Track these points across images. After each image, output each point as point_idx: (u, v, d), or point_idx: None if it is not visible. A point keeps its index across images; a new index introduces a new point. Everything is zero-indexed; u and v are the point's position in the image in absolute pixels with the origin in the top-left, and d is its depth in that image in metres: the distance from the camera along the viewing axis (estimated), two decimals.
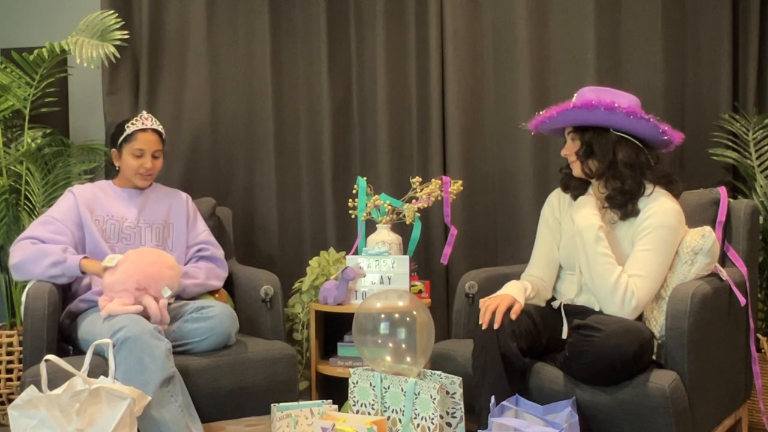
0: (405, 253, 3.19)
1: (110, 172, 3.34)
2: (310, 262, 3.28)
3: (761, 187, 3.17)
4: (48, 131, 3.53)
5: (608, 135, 2.52)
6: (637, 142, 2.53)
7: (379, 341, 2.54)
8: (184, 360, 2.58)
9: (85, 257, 2.78)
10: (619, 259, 2.50)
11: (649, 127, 2.50)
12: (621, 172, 2.52)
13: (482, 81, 3.50)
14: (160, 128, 2.98)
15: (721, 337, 2.51)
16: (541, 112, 2.65)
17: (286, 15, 3.61)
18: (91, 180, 3.41)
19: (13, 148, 3.47)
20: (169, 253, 2.87)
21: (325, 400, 2.65)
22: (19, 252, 2.78)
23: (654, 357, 2.40)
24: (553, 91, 3.39)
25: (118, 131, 2.96)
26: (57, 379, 2.37)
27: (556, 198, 2.77)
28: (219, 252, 3.04)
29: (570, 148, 2.60)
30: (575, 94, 2.60)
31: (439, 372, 2.51)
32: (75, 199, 2.89)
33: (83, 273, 2.75)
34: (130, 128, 2.92)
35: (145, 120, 2.95)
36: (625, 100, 2.52)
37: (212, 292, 2.96)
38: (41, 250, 2.75)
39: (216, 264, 3.01)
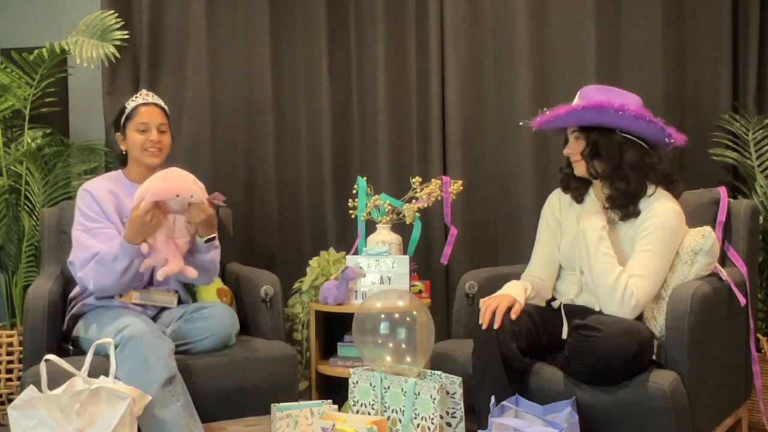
0: (405, 253, 3.19)
1: (109, 170, 3.32)
2: (310, 262, 3.28)
3: (761, 187, 3.17)
4: (48, 131, 3.53)
5: (614, 136, 2.52)
6: (642, 144, 2.53)
7: (379, 341, 2.54)
8: (185, 360, 2.58)
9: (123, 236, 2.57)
10: (620, 259, 2.50)
11: (656, 130, 2.50)
12: (626, 174, 2.51)
13: (482, 81, 3.50)
14: (162, 103, 2.88)
15: (721, 337, 2.51)
16: (545, 110, 2.64)
17: (286, 15, 3.61)
18: (92, 174, 3.39)
19: (13, 148, 3.47)
20: (174, 239, 2.64)
21: (325, 400, 2.65)
22: (89, 276, 2.61)
23: (654, 357, 2.40)
24: (553, 91, 3.39)
25: (119, 114, 2.86)
26: (57, 379, 2.37)
27: (557, 198, 2.77)
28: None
29: (574, 147, 2.59)
30: (578, 93, 2.60)
31: (439, 372, 2.51)
32: (93, 199, 2.75)
33: (137, 243, 2.52)
34: (130, 105, 2.83)
35: (146, 96, 2.86)
36: (628, 100, 2.52)
37: (218, 291, 2.96)
38: (99, 260, 2.58)
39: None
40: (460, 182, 3.20)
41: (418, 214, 3.18)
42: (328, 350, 3.20)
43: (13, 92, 3.35)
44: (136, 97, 2.86)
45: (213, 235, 2.69)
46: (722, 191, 2.72)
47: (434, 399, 2.40)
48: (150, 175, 2.64)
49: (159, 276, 2.55)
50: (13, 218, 3.38)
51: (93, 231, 2.68)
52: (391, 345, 2.53)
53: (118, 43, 3.33)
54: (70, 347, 2.76)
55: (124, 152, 2.87)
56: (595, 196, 2.66)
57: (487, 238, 3.52)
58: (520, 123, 2.91)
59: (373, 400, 2.53)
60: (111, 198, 2.77)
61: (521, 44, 3.42)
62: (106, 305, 2.74)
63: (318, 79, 3.59)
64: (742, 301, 2.53)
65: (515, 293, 2.52)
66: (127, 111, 2.83)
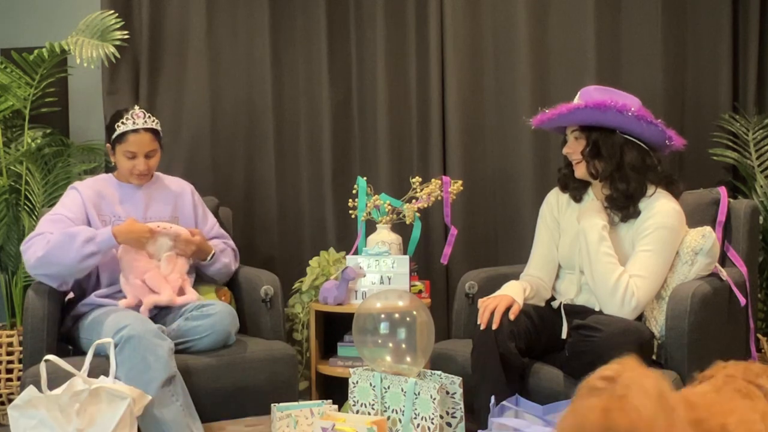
0: (405, 253, 3.19)
1: (110, 170, 3.33)
2: (310, 262, 3.28)
3: (761, 187, 3.17)
4: (48, 131, 3.53)
5: (615, 137, 2.52)
6: (643, 145, 2.53)
7: (379, 341, 2.54)
8: (185, 359, 2.58)
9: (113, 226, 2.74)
10: (620, 259, 2.50)
11: (657, 132, 2.51)
12: (627, 174, 2.51)
13: (482, 81, 3.50)
14: (154, 125, 2.85)
15: (721, 337, 2.51)
16: (546, 109, 2.64)
17: (286, 15, 3.60)
18: (92, 174, 3.40)
19: (13, 148, 3.47)
20: (165, 277, 2.80)
21: (325, 400, 2.65)
22: (38, 247, 2.67)
23: (654, 357, 2.40)
24: (553, 91, 3.38)
25: (110, 127, 2.86)
26: (57, 379, 2.37)
27: (555, 197, 2.77)
28: (232, 243, 3.08)
29: (573, 147, 2.59)
30: (578, 93, 2.60)
31: (439, 372, 2.51)
32: (81, 197, 2.82)
33: (119, 242, 2.69)
34: (120, 128, 2.80)
35: (137, 118, 2.81)
36: (629, 101, 2.52)
37: (217, 291, 2.97)
38: (66, 233, 2.66)
39: (234, 254, 3.07)
40: (460, 182, 3.20)
41: (418, 214, 3.17)
42: (328, 350, 3.20)
43: (13, 92, 3.35)
44: (127, 120, 2.81)
45: (211, 254, 2.91)
46: (722, 191, 2.72)
47: (434, 399, 2.39)
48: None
49: (146, 304, 2.70)
50: (13, 218, 3.38)
51: (57, 217, 2.76)
52: (391, 345, 2.53)
53: (118, 43, 3.33)
54: (70, 347, 2.77)
55: (113, 164, 2.93)
56: (594, 195, 2.66)
57: (487, 238, 3.52)
58: (523, 118, 2.91)
59: (373, 400, 2.53)
60: (95, 199, 2.84)
61: (521, 44, 3.41)
62: (105, 305, 2.74)
63: (318, 79, 3.59)
64: (742, 301, 2.53)
65: (514, 293, 2.52)
66: (116, 133, 2.82)
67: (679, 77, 3.37)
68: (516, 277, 2.75)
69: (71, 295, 2.85)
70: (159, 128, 2.90)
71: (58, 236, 2.67)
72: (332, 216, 3.58)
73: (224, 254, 2.98)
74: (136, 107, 2.88)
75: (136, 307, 2.70)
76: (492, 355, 2.39)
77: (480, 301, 2.51)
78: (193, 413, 2.49)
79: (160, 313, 2.77)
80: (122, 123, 2.82)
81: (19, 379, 3.18)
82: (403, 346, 2.52)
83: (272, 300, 2.90)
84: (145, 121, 2.83)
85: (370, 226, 3.22)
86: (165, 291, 2.74)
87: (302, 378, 3.20)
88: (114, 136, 2.83)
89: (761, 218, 2.93)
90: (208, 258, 2.91)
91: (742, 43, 3.33)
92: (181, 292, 2.79)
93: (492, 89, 3.49)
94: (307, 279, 3.22)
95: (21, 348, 3.18)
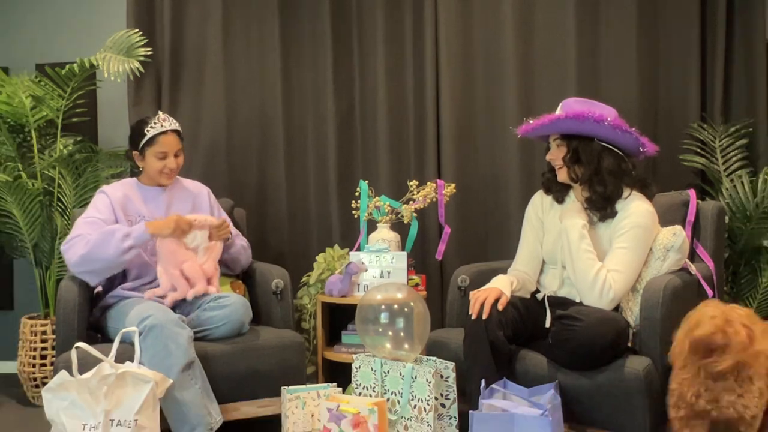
0: (403, 249, 3.19)
1: (135, 174, 3.33)
2: (316, 257, 3.28)
3: (726, 189, 3.17)
4: (78, 139, 3.54)
5: (593, 144, 2.52)
6: (619, 152, 2.53)
7: (380, 330, 2.54)
8: (204, 346, 2.58)
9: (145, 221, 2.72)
10: (599, 255, 2.50)
11: (631, 140, 2.51)
12: (604, 178, 2.52)
13: (473, 93, 3.50)
14: (177, 127, 2.87)
15: None
16: (530, 119, 2.64)
17: (296, 35, 3.61)
18: (118, 178, 3.40)
19: (47, 154, 3.47)
20: (201, 266, 2.80)
21: (330, 384, 2.65)
22: (79, 247, 2.65)
23: (629, 344, 2.40)
24: (538, 102, 3.39)
25: (137, 134, 2.85)
26: (87, 364, 2.38)
27: (539, 199, 2.77)
28: (245, 240, 3.07)
29: (555, 154, 2.59)
30: (560, 105, 2.60)
31: (434, 358, 2.51)
32: (109, 200, 2.81)
33: (150, 234, 2.66)
34: (150, 132, 2.80)
35: (163, 122, 2.83)
36: (606, 111, 2.52)
37: (232, 284, 2.97)
38: (104, 231, 2.65)
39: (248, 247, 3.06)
40: (453, 185, 3.20)
41: (415, 214, 3.17)
42: (333, 338, 3.20)
43: (47, 103, 3.36)
44: (155, 124, 2.82)
45: (227, 237, 2.90)
46: (691, 194, 2.72)
47: (430, 382, 2.40)
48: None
49: (189, 296, 2.72)
50: (46, 218, 3.38)
51: (92, 219, 2.75)
52: (390, 333, 2.53)
53: (142, 58, 3.34)
54: (98, 335, 2.77)
55: (140, 169, 2.91)
56: (575, 197, 2.66)
57: (478, 236, 3.52)
58: (510, 128, 2.90)
59: (374, 383, 2.54)
60: (122, 200, 2.84)
61: (509, 60, 3.42)
62: (131, 296, 2.74)
63: (324, 92, 3.59)
64: (710, 293, 2.53)
65: (502, 286, 2.52)
66: (147, 137, 2.81)
67: (653, 89, 3.38)
68: (504, 271, 2.75)
69: (99, 288, 2.85)
70: (181, 130, 2.91)
71: (97, 235, 2.66)
72: (337, 216, 3.58)
73: (239, 237, 3.00)
74: (160, 113, 2.90)
75: (164, 296, 2.71)
76: (482, 343, 2.39)
77: (471, 293, 2.51)
78: (211, 395, 2.50)
79: (180, 304, 2.78)
80: (151, 127, 2.82)
81: (52, 364, 3.19)
82: (402, 334, 2.52)
83: (282, 292, 2.90)
84: (171, 123, 2.86)
85: (372, 225, 3.22)
86: (200, 282, 2.74)
87: (310, 363, 3.20)
88: (144, 140, 2.82)
89: (727, 218, 2.93)
90: (230, 237, 2.90)
91: (709, 58, 3.33)
92: (209, 282, 2.79)
93: (482, 100, 3.50)
94: (314, 273, 3.23)
95: (54, 336, 3.19)
